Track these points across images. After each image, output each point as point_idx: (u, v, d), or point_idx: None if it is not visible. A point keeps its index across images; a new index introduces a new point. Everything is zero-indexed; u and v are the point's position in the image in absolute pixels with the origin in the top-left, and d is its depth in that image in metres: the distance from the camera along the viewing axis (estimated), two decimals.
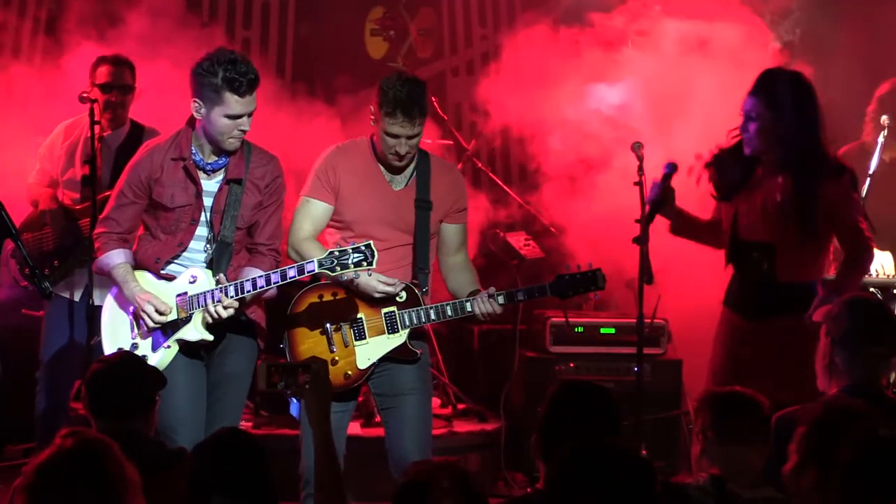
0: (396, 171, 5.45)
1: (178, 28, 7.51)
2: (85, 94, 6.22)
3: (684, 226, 5.79)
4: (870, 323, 4.49)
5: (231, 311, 5.18)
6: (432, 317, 5.36)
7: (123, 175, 5.42)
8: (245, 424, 6.99)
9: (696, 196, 5.82)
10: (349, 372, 5.35)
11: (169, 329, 5.30)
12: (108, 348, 5.36)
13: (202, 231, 5.35)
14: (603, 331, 7.42)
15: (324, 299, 5.40)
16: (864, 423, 3.47)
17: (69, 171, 6.65)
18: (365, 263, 5.02)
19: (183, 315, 5.28)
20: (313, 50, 8.80)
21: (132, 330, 5.37)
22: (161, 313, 5.25)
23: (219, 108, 5.17)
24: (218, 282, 5.21)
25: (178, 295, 5.29)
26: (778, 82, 5.56)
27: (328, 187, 5.42)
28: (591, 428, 3.76)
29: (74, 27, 7.53)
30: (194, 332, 5.27)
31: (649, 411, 6.49)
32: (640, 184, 5.63)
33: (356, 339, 5.36)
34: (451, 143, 8.15)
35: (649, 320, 6.65)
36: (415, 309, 5.35)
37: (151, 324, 5.27)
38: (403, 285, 5.34)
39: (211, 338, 5.28)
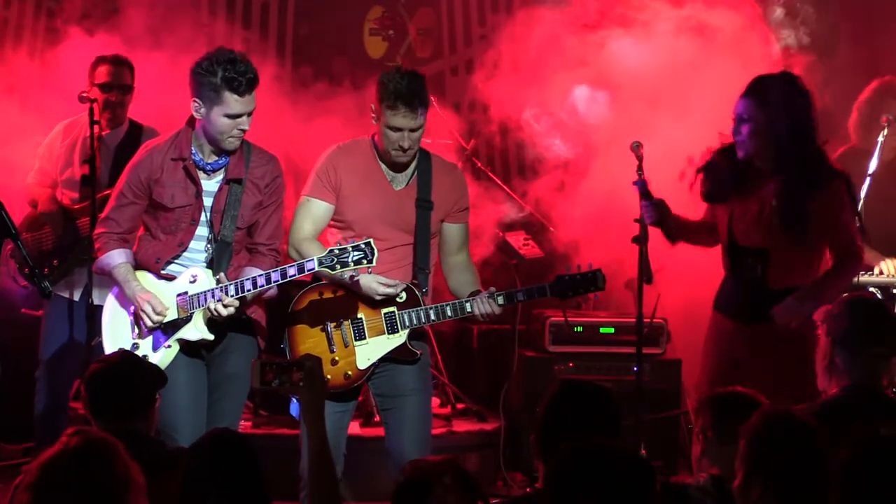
0: (398, 169, 5.44)
1: (176, 22, 7.55)
2: (84, 94, 6.24)
3: (682, 232, 5.80)
4: (870, 323, 4.49)
5: (231, 309, 5.18)
6: (432, 317, 5.35)
7: (123, 175, 5.42)
8: (244, 424, 6.99)
9: (687, 196, 5.83)
10: (349, 372, 5.35)
11: (169, 328, 5.30)
12: (109, 348, 5.36)
13: (202, 231, 5.35)
14: (602, 330, 7.42)
15: (324, 296, 5.40)
16: (801, 431, 3.52)
17: (68, 170, 6.66)
18: (365, 261, 5.02)
19: (183, 314, 5.28)
20: (312, 49, 8.80)
21: (133, 330, 5.37)
22: (158, 314, 5.25)
23: (218, 107, 5.17)
24: (218, 281, 5.21)
25: (179, 294, 5.29)
26: (771, 84, 5.56)
27: (329, 187, 5.42)
28: (591, 428, 3.75)
29: (72, 18, 7.56)
30: (195, 331, 5.27)
31: (649, 411, 6.49)
32: (639, 183, 5.64)
33: (356, 340, 5.36)
34: (451, 142, 8.14)
35: (649, 320, 6.65)
36: (414, 309, 5.35)
37: (150, 323, 5.27)
38: (404, 286, 5.33)
39: (211, 337, 5.28)
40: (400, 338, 5.36)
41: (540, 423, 3.89)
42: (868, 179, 6.53)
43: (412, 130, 5.30)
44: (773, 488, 3.47)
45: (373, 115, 5.38)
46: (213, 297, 5.19)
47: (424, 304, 5.36)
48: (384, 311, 5.36)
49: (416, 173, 5.47)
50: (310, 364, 4.01)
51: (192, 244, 5.35)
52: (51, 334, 6.70)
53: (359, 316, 5.37)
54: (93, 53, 6.80)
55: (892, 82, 7.19)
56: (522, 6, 8.09)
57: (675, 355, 7.39)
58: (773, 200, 5.49)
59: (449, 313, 5.35)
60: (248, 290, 5.18)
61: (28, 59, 7.79)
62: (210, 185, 5.34)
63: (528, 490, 6.71)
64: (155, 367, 4.87)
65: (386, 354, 5.36)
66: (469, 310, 5.33)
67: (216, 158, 5.32)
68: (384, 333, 5.36)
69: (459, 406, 7.64)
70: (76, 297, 6.58)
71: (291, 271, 5.13)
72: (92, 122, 6.14)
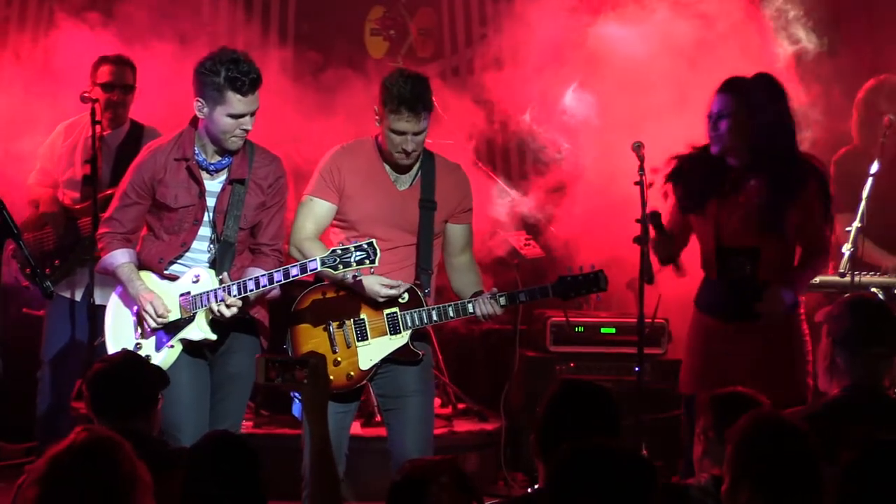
0: (402, 170, 5.44)
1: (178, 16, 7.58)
2: (86, 94, 6.26)
3: (672, 248, 5.82)
4: (871, 323, 4.49)
5: (234, 309, 5.19)
6: (434, 318, 5.35)
7: (127, 176, 5.43)
8: (246, 424, 6.99)
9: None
10: (351, 373, 5.36)
11: (172, 328, 5.30)
12: (112, 348, 5.36)
13: (205, 231, 5.36)
14: (603, 331, 7.42)
15: (327, 297, 5.41)
16: (789, 434, 3.52)
17: (69, 170, 6.67)
18: (367, 262, 5.03)
19: (186, 314, 5.29)
20: (313, 49, 8.79)
21: (136, 330, 5.38)
22: (161, 314, 5.25)
23: (221, 107, 5.18)
24: (221, 281, 5.22)
25: (182, 294, 5.29)
26: (749, 81, 5.60)
27: (332, 187, 5.42)
28: (591, 428, 3.75)
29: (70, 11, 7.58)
30: (198, 331, 5.28)
31: (649, 411, 6.49)
32: (640, 183, 5.64)
33: (358, 340, 5.36)
34: (451, 142, 8.14)
35: (650, 320, 6.65)
36: (417, 310, 5.35)
37: (153, 324, 5.28)
38: (406, 287, 5.34)
39: (214, 337, 5.28)
40: (402, 338, 5.36)
41: (540, 422, 3.89)
42: (870, 180, 6.54)
43: (415, 134, 5.30)
44: (761, 492, 3.46)
45: (376, 117, 5.38)
46: (215, 297, 5.20)
47: (427, 305, 5.37)
48: (386, 311, 5.36)
49: (419, 173, 5.47)
50: (314, 361, 3.99)
51: (195, 244, 5.36)
52: (52, 334, 6.71)
53: (361, 316, 5.37)
54: (94, 48, 6.81)
55: (887, 80, 7.21)
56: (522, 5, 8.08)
57: (676, 355, 7.35)
58: (756, 199, 5.53)
59: (451, 314, 5.35)
60: (251, 291, 5.19)
61: (31, 53, 7.78)
62: (213, 185, 5.34)
63: (528, 490, 6.71)
64: (157, 367, 4.89)
65: (388, 355, 5.37)
66: (471, 311, 5.34)
67: (219, 158, 5.33)
68: (386, 334, 5.37)
69: (460, 406, 7.64)
70: (78, 297, 6.59)
71: (294, 271, 5.13)
72: (94, 122, 6.16)
